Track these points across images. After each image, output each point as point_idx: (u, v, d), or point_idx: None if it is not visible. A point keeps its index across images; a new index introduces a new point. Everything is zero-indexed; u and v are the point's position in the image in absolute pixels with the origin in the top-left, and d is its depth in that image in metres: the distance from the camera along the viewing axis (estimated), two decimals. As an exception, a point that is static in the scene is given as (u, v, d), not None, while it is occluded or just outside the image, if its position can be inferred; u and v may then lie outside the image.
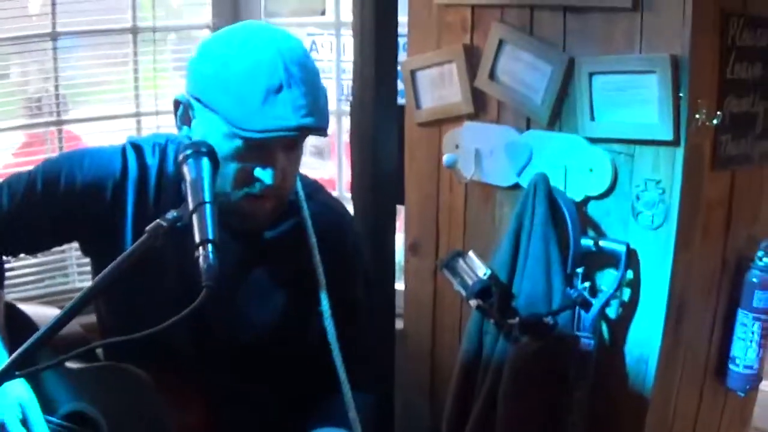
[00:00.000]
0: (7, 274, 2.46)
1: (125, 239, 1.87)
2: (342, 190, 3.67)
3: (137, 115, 3.46)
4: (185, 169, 1.65)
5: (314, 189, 2.04)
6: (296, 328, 1.96)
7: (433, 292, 3.13)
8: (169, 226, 1.55)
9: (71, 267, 3.46)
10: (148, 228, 1.54)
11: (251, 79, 1.68)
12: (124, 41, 3.38)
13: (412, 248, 3.20)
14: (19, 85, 3.34)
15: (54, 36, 3.21)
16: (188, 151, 1.67)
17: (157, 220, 1.55)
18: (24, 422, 1.77)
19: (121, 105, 3.47)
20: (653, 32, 2.40)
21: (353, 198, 2.97)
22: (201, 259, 1.49)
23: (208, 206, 1.57)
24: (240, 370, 1.93)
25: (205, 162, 1.66)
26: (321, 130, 1.75)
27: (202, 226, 1.54)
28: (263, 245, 1.93)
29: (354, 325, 1.97)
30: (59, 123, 3.33)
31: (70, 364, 1.91)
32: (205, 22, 3.55)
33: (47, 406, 1.89)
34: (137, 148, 1.93)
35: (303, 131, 1.72)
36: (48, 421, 1.85)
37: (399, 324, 3.28)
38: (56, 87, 3.28)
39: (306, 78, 1.72)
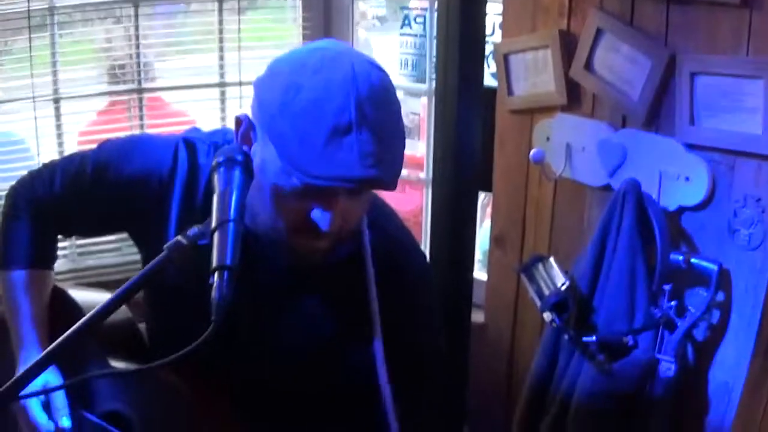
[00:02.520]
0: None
1: (168, 239, 1.74)
2: (429, 172, 3.52)
3: (222, 85, 3.35)
4: (215, 179, 1.49)
5: (380, 215, 1.79)
6: (343, 367, 1.75)
7: (516, 287, 2.98)
8: (189, 243, 1.42)
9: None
10: (167, 245, 1.41)
11: (316, 113, 1.44)
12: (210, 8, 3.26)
13: (497, 240, 3.05)
14: (105, 51, 3.26)
15: (135, 2, 3.13)
16: (220, 158, 1.50)
17: (177, 237, 1.42)
18: (46, 407, 1.71)
19: (206, 73, 3.36)
20: (763, 33, 2.18)
21: (433, 181, 2.81)
22: (213, 290, 1.33)
23: (231, 225, 1.40)
24: (277, 399, 1.77)
25: (237, 174, 1.48)
26: (387, 184, 1.49)
27: (222, 249, 1.37)
28: (316, 271, 1.70)
29: (415, 378, 1.77)
30: (140, 91, 3.26)
31: (115, 363, 1.82)
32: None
33: (88, 399, 1.83)
34: (191, 146, 1.77)
35: (365, 184, 1.48)
36: (86, 418, 1.79)
37: (480, 316, 3.14)
38: (137, 54, 3.19)
39: (381, 120, 1.46)
